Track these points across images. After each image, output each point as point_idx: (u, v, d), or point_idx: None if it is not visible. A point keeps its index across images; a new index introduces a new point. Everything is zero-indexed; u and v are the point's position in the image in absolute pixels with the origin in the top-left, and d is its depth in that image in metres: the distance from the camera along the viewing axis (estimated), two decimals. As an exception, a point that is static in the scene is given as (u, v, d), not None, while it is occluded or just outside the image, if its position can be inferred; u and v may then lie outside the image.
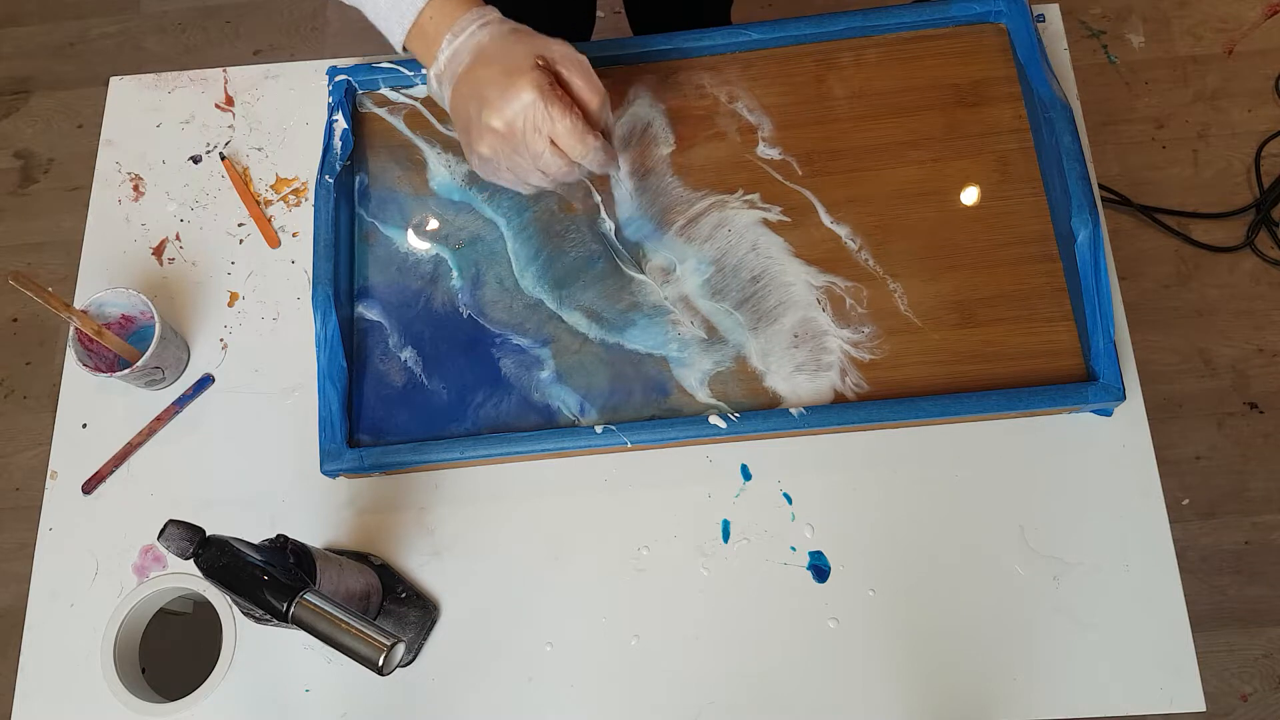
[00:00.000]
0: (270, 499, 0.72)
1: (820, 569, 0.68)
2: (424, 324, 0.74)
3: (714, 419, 0.68)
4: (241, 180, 0.80)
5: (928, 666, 0.66)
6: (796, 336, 0.71)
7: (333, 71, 0.79)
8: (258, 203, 0.79)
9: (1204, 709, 0.64)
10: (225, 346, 0.76)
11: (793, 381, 0.70)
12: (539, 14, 0.73)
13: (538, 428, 0.70)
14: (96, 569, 0.71)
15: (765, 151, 0.76)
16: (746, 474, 0.71)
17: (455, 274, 0.75)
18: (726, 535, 0.69)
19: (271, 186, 0.80)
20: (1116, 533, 0.68)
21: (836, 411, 0.68)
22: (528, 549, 0.70)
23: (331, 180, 0.74)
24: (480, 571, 0.70)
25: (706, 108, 0.78)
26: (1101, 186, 1.29)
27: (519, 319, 0.74)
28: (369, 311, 0.74)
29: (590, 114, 0.61)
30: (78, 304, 0.72)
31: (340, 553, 0.68)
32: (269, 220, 0.79)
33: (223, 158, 0.80)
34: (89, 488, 0.73)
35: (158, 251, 0.79)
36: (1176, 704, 0.64)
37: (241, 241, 0.79)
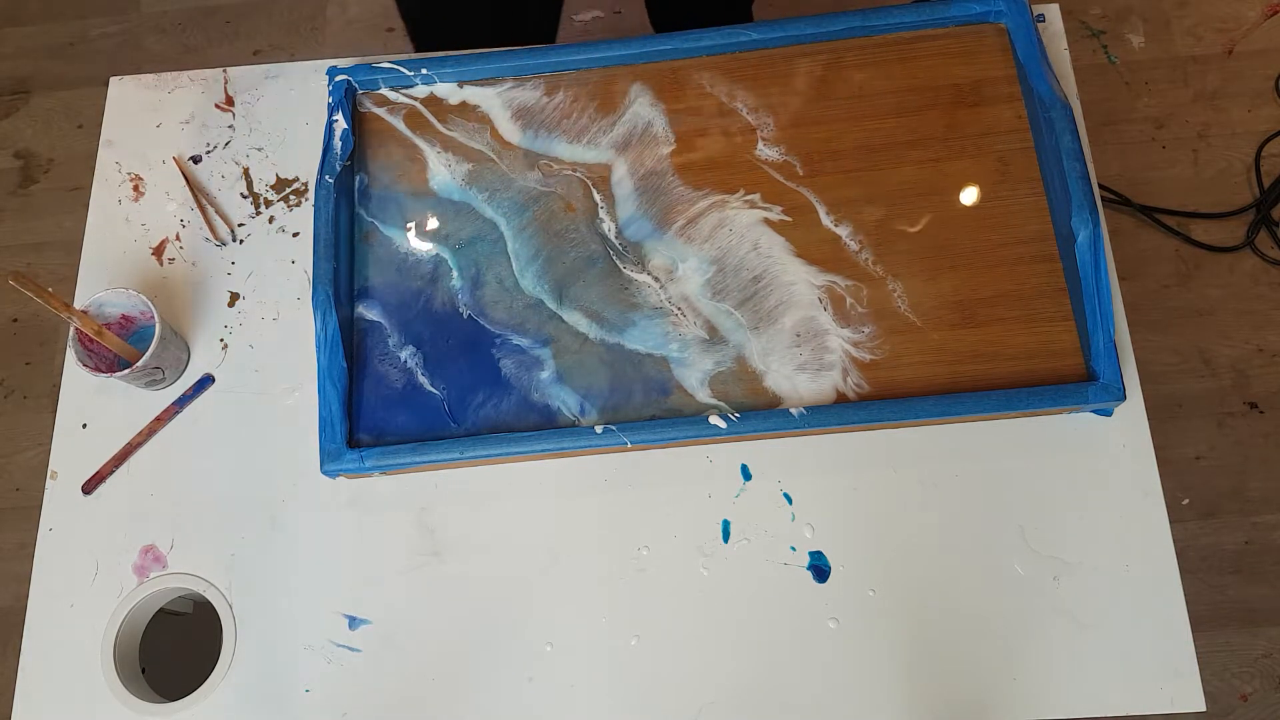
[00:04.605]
0: (270, 499, 0.72)
1: (820, 569, 0.68)
2: (424, 324, 0.74)
3: (714, 419, 0.68)
4: (191, 177, 0.80)
5: (928, 666, 0.66)
6: (798, 336, 0.71)
7: (333, 71, 0.79)
8: (203, 202, 0.79)
9: (1204, 709, 0.64)
10: (225, 346, 0.76)
11: (794, 381, 0.70)
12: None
13: (538, 428, 0.70)
14: (96, 569, 0.71)
15: (765, 151, 0.76)
16: (746, 474, 0.71)
17: (455, 274, 0.75)
18: (726, 535, 0.69)
19: (271, 186, 0.80)
20: (1116, 533, 0.68)
21: (837, 411, 0.68)
22: (528, 549, 0.70)
23: (331, 180, 0.74)
24: (480, 571, 0.70)
25: (706, 108, 0.78)
26: (1101, 186, 1.29)
27: (519, 319, 0.74)
28: (369, 311, 0.74)
29: None
30: (78, 304, 0.72)
31: None
32: (211, 220, 0.79)
33: (196, 160, 0.80)
34: (89, 488, 0.73)
35: (158, 251, 0.79)
36: (1177, 704, 0.64)
37: (242, 242, 0.79)
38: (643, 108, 0.78)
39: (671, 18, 1.20)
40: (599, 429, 0.68)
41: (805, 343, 0.71)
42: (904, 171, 0.75)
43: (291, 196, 0.80)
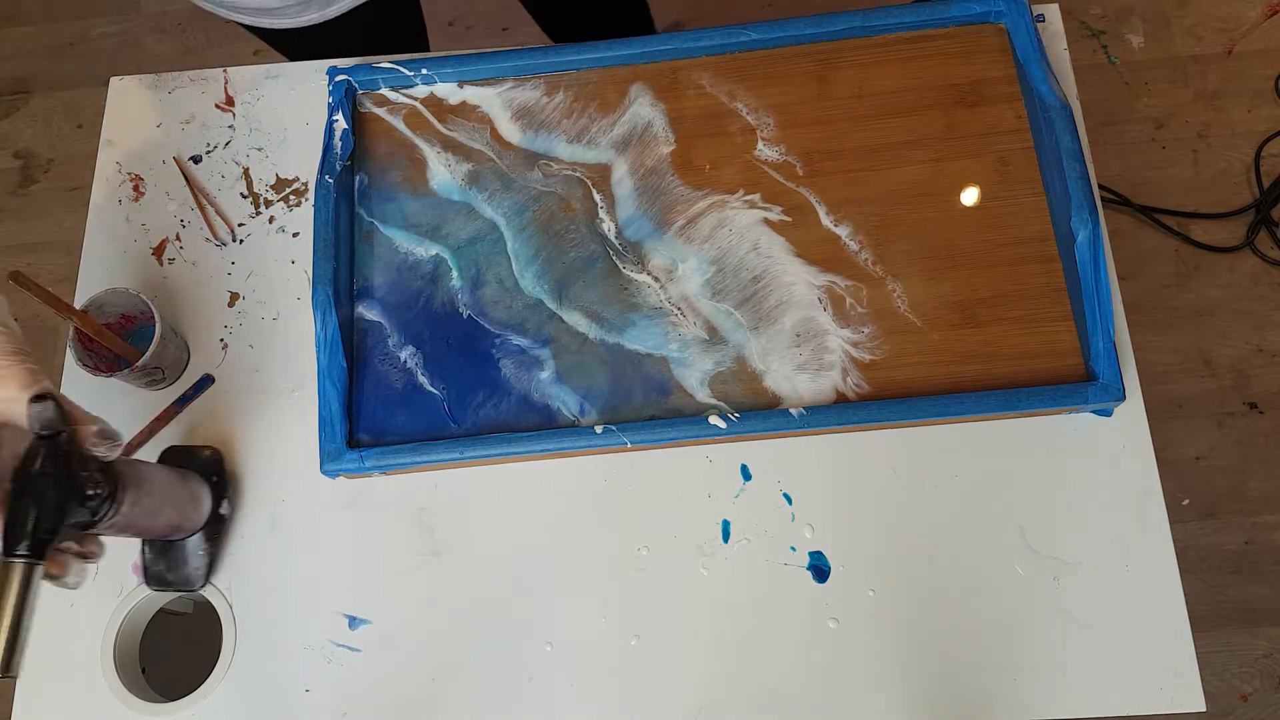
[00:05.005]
0: (270, 499, 0.72)
1: (820, 569, 0.68)
2: (424, 324, 0.74)
3: (714, 419, 0.68)
4: (191, 177, 0.80)
5: (928, 666, 0.66)
6: (798, 336, 0.71)
7: (333, 71, 0.79)
8: (203, 202, 0.79)
9: (1204, 709, 0.64)
10: (225, 346, 0.76)
11: (794, 381, 0.70)
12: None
13: (538, 428, 0.70)
14: (97, 569, 0.71)
15: (765, 151, 0.76)
16: (746, 474, 0.71)
17: (455, 274, 0.75)
18: (726, 535, 0.69)
19: (271, 186, 0.80)
20: (1116, 533, 0.68)
21: (836, 412, 0.68)
22: (527, 549, 0.70)
23: (331, 180, 0.74)
24: (480, 571, 0.70)
25: (706, 108, 0.78)
26: (1101, 186, 1.29)
27: (519, 319, 0.74)
28: (369, 311, 0.74)
29: None
30: (78, 304, 0.72)
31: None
32: (212, 220, 0.79)
33: (195, 160, 0.81)
34: (89, 488, 0.73)
35: (158, 251, 0.79)
36: (1177, 704, 0.64)
37: (242, 242, 0.79)
38: (643, 108, 0.78)
39: (568, 28, 1.17)
40: (599, 429, 0.68)
41: (805, 343, 0.71)
42: (904, 171, 0.75)
43: (291, 196, 0.80)
